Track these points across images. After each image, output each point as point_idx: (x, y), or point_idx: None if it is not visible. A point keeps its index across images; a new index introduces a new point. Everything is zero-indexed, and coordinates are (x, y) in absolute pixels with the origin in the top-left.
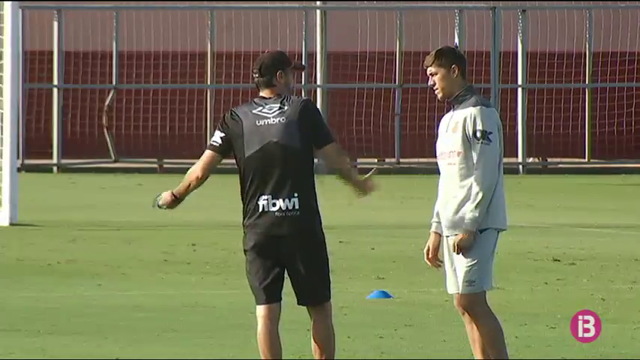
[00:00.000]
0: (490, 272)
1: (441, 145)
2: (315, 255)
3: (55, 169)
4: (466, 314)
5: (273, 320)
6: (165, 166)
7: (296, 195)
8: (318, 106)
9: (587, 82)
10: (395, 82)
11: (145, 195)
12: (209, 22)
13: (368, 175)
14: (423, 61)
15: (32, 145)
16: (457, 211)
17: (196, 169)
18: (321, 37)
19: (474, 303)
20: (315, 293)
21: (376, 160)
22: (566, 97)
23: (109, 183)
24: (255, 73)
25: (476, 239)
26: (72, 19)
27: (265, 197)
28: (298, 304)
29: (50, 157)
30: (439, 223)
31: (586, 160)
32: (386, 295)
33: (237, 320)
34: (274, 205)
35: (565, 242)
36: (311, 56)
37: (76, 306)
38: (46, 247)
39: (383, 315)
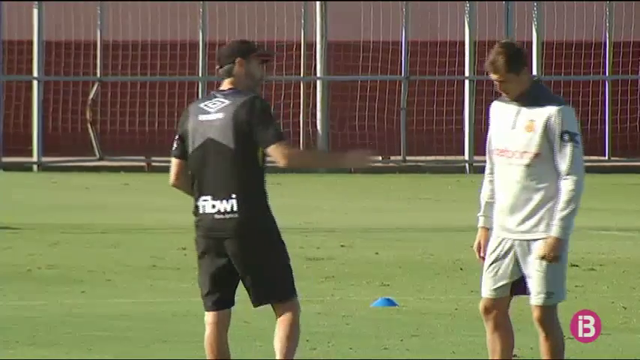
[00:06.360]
0: (565, 282)
1: (505, 142)
2: (261, 253)
3: (35, 167)
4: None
5: (220, 327)
6: (153, 164)
7: (234, 196)
8: (318, 99)
9: (607, 74)
10: (401, 73)
11: (132, 196)
12: (201, 10)
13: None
14: (430, 51)
15: (11, 141)
16: (532, 214)
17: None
18: (321, 26)
19: (550, 315)
20: (266, 292)
21: (380, 158)
22: (584, 89)
23: (94, 183)
24: (216, 64)
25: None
26: (53, 6)
27: (205, 198)
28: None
29: (30, 154)
30: (486, 217)
31: (606, 158)
32: (391, 302)
33: (231, 330)
34: (213, 207)
35: (584, 246)
36: (310, 46)
37: (58, 315)
38: (25, 251)
39: (388, 324)
